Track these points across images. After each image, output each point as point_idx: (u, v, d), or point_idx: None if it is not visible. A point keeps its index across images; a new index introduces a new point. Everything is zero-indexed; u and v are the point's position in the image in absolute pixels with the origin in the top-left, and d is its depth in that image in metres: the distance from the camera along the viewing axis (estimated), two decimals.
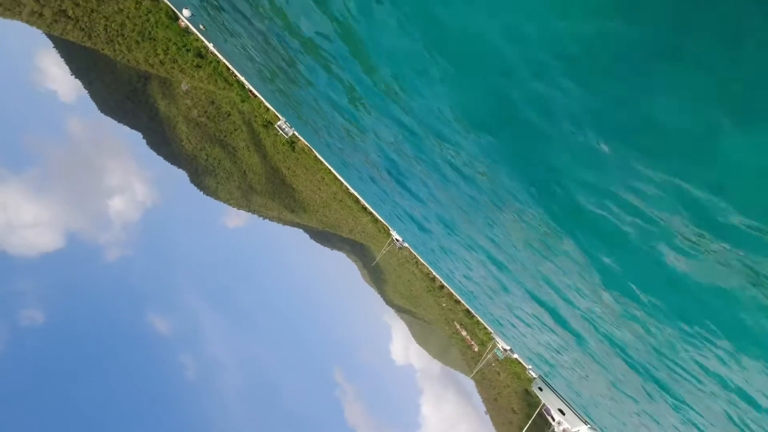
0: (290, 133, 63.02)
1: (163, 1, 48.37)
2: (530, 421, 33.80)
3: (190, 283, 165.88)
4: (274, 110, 59.86)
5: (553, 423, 29.58)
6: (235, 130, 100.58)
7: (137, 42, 57.19)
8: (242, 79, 56.63)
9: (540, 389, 31.15)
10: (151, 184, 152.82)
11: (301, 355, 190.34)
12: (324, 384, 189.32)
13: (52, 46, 79.15)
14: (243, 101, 64.87)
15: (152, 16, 50.82)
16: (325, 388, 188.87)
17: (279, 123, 63.53)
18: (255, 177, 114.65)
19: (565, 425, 27.41)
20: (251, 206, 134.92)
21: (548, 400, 29.77)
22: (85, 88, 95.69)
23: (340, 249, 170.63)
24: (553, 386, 29.90)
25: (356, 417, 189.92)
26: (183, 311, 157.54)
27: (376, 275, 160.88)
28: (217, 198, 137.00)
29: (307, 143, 64.04)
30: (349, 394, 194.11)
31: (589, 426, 24.58)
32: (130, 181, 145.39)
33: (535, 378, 34.96)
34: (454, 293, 78.78)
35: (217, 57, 54.13)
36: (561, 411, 27.35)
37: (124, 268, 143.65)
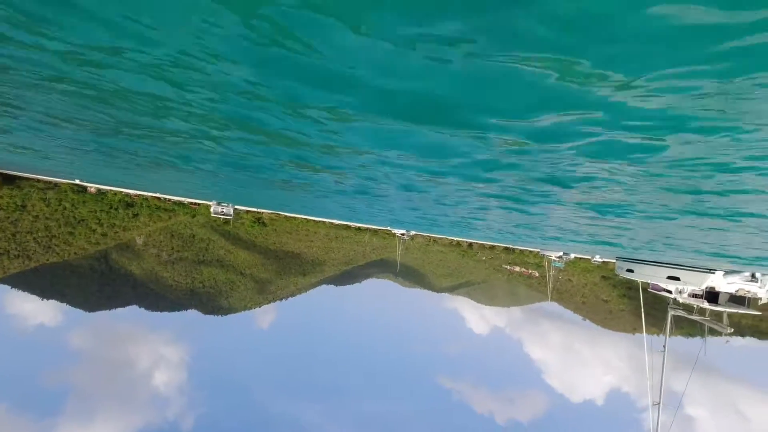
0: (231, 212, 57.52)
1: (62, 183, 47.72)
2: (643, 314, 22.05)
3: (269, 396, 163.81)
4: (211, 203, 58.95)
5: (671, 296, 22.72)
6: (207, 245, 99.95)
7: (71, 233, 56.48)
8: (178, 198, 55.88)
9: (630, 271, 24.68)
10: (175, 341, 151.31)
11: (404, 387, 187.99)
12: (440, 397, 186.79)
13: (10, 287, 78.46)
14: (193, 216, 64.13)
15: (64, 202, 50.16)
16: (443, 400, 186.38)
17: (213, 208, 57.00)
18: (254, 269, 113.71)
19: (691, 288, 21.50)
20: (269, 297, 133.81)
21: (648, 275, 23.54)
22: (62, 301, 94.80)
23: (367, 276, 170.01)
24: (640, 258, 23.75)
25: (485, 404, 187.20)
26: (280, 423, 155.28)
27: (411, 275, 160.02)
28: (236, 310, 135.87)
29: (272, 211, 63.20)
30: (465, 390, 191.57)
31: (723, 272, 19.17)
32: (156, 351, 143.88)
33: (615, 263, 26.85)
34: (483, 242, 77.70)
35: (143, 196, 53.41)
36: (673, 277, 21.57)
37: (206, 424, 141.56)
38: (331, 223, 70.40)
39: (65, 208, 51.89)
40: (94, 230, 58.08)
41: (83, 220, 55.36)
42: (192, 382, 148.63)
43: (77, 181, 47.75)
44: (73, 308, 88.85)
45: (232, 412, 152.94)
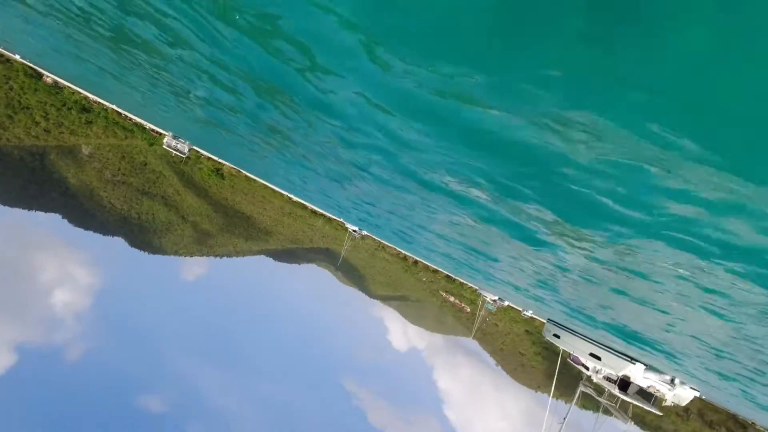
0: (186, 150, 53.69)
1: (16, 61, 43.33)
2: (555, 380, 21.10)
3: (170, 350, 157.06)
4: (170, 134, 55.81)
5: (587, 372, 22.11)
6: (157, 178, 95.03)
7: (9, 117, 51.57)
8: (141, 120, 52.45)
9: (556, 336, 24.14)
10: (91, 264, 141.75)
11: (308, 378, 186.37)
12: (339, 398, 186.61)
13: None
14: (151, 144, 60.53)
15: (12, 82, 45.61)
16: (341, 401, 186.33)
17: (166, 140, 52.17)
18: (197, 218, 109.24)
19: (607, 371, 20.71)
20: (204, 249, 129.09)
21: (571, 346, 23.04)
22: None
23: (308, 261, 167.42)
24: (571, 327, 23.44)
25: (380, 417, 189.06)
26: (173, 380, 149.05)
27: (350, 274, 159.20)
28: (165, 253, 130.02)
29: (233, 166, 60.77)
30: (366, 399, 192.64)
31: (645, 366, 18.41)
32: (66, 268, 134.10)
33: (544, 324, 26.15)
34: (430, 264, 78.48)
35: (103, 105, 49.67)
36: (595, 356, 20.89)
37: (93, 361, 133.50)
38: (289, 198, 68.70)
39: (11, 89, 47.31)
40: (37, 123, 53.37)
41: (28, 108, 50.71)
42: (93, 312, 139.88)
43: (33, 65, 43.58)
44: None
45: (125, 355, 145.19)
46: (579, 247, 6.70)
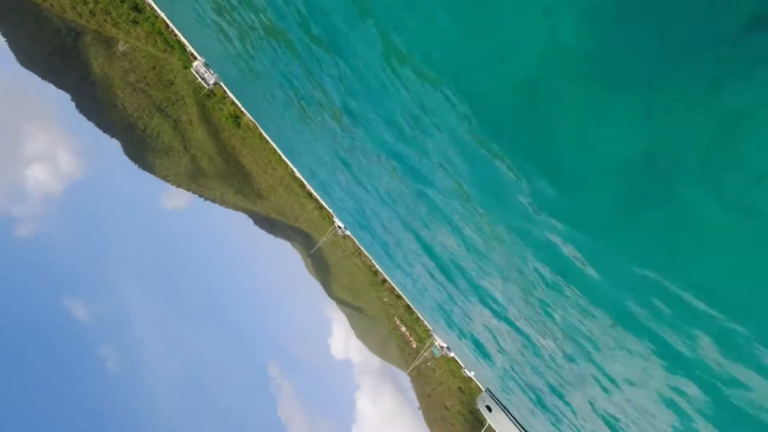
0: (212, 81, 54.09)
1: None
2: None
3: (118, 265, 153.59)
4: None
5: None
6: (178, 100, 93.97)
7: None
8: (184, 40, 52.00)
9: (488, 408, 23.42)
10: (79, 154, 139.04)
11: (237, 345, 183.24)
12: (258, 378, 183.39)
13: None
14: (185, 67, 59.94)
15: None
16: (259, 382, 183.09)
17: (196, 64, 51.84)
18: (199, 154, 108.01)
19: None
20: (193, 186, 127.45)
21: (499, 424, 21.98)
22: (4, 35, 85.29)
23: (284, 237, 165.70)
24: (507, 406, 22.30)
25: (289, 412, 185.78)
26: (107, 297, 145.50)
27: (319, 266, 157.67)
28: (155, 174, 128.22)
29: (252, 119, 60.29)
30: (283, 389, 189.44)
31: None
32: (54, 148, 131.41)
33: (482, 393, 25.18)
34: (396, 288, 78.05)
35: (155, 11, 49.22)
36: None
37: (40, 245, 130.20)
38: (292, 172, 68.20)
39: None
40: (86, 2, 52.78)
41: None
42: (60, 200, 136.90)
43: None
44: (8, 48, 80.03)
45: (72, 253, 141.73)
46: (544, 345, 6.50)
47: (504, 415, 22.46)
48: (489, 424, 24.42)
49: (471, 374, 57.85)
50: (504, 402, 22.89)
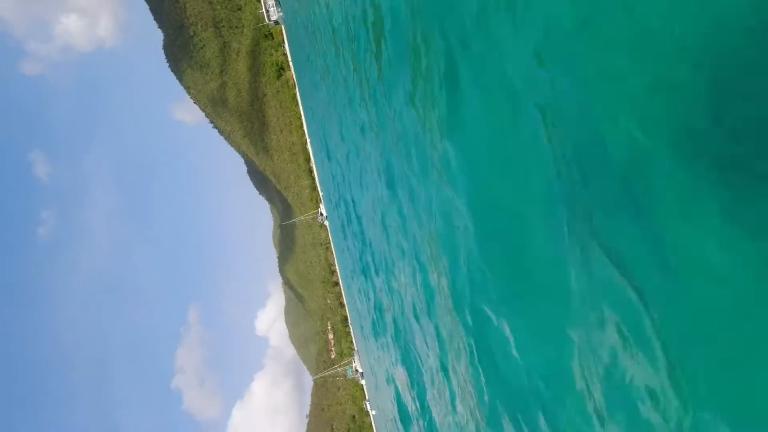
0: (274, 18, 53.29)
1: None
2: None
3: (99, 145, 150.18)
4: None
5: None
6: (237, 27, 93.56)
7: None
8: None
9: None
10: (120, 26, 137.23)
11: (172, 273, 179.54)
12: (175, 313, 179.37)
13: None
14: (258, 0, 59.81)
15: None
16: (173, 317, 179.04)
17: None
18: (230, 83, 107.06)
19: None
20: (209, 109, 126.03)
21: None
22: None
23: (267, 198, 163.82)
24: None
25: (186, 360, 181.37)
26: (73, 168, 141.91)
27: (285, 240, 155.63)
28: (180, 81, 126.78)
29: (294, 77, 60.05)
30: (192, 336, 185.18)
31: None
32: (99, 9, 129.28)
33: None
34: (344, 297, 77.16)
35: None
36: None
37: (37, 88, 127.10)
38: (305, 144, 67.83)
39: None
40: None
41: None
42: (80, 58, 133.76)
43: None
44: None
45: (62, 109, 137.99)
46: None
47: None
48: None
49: (372, 412, 56.25)
50: None
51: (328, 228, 58.69)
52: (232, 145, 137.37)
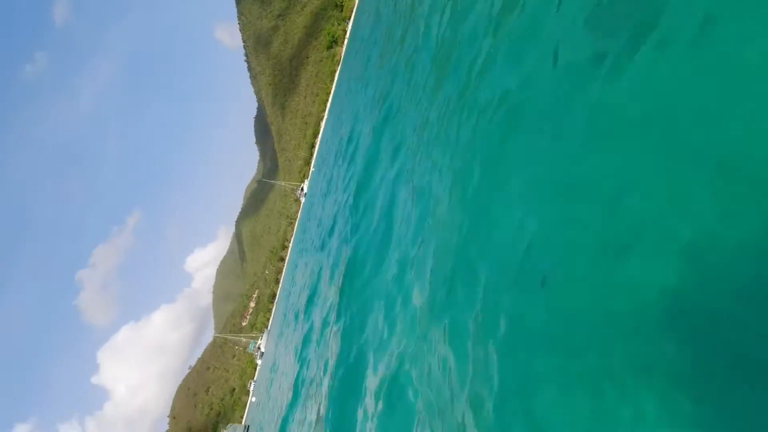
0: None
1: None
2: None
3: (132, 19, 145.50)
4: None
5: None
6: None
7: None
8: None
9: None
10: None
11: (135, 167, 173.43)
12: (114, 209, 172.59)
13: None
14: None
15: None
16: (111, 212, 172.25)
17: None
18: (282, 30, 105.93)
19: None
20: (250, 44, 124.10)
21: None
22: None
23: (260, 151, 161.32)
24: None
25: (102, 260, 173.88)
26: (97, 27, 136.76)
27: (255, 197, 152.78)
28: (238, 2, 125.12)
29: (342, 56, 59.74)
30: (120, 239, 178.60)
31: None
32: None
33: (238, 425, 24.44)
34: (283, 276, 75.69)
35: None
36: None
37: None
38: (321, 119, 67.29)
39: None
40: None
41: None
42: None
43: None
44: None
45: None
46: None
47: None
48: None
49: (252, 398, 53.70)
50: None
51: (301, 205, 57.77)
52: (253, 86, 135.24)
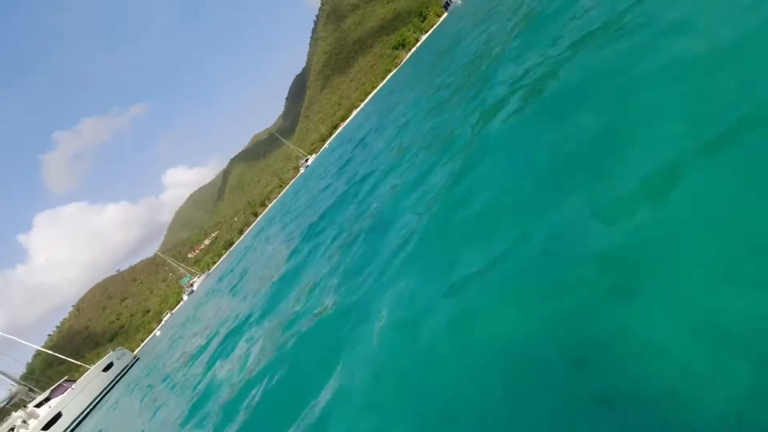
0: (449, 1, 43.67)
1: None
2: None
3: None
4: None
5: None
6: None
7: None
8: None
9: (110, 365, 22.69)
10: None
11: (163, 67, 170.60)
12: (126, 93, 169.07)
13: None
14: None
15: None
16: (124, 94, 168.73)
17: None
18: (360, 11, 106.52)
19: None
20: (323, 14, 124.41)
21: (93, 383, 21.47)
22: None
23: (286, 108, 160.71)
24: (119, 375, 22.41)
25: (89, 130, 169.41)
26: None
27: (259, 147, 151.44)
28: None
29: (404, 61, 60.10)
30: (116, 121, 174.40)
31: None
32: None
33: (126, 351, 25.40)
34: (248, 231, 74.58)
35: None
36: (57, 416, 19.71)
37: None
38: (355, 108, 67.28)
39: None
40: None
41: None
42: None
43: None
44: None
45: None
46: None
47: (107, 381, 22.09)
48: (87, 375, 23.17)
49: (158, 331, 52.07)
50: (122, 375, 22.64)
51: (299, 174, 57.25)
52: (310, 48, 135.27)
